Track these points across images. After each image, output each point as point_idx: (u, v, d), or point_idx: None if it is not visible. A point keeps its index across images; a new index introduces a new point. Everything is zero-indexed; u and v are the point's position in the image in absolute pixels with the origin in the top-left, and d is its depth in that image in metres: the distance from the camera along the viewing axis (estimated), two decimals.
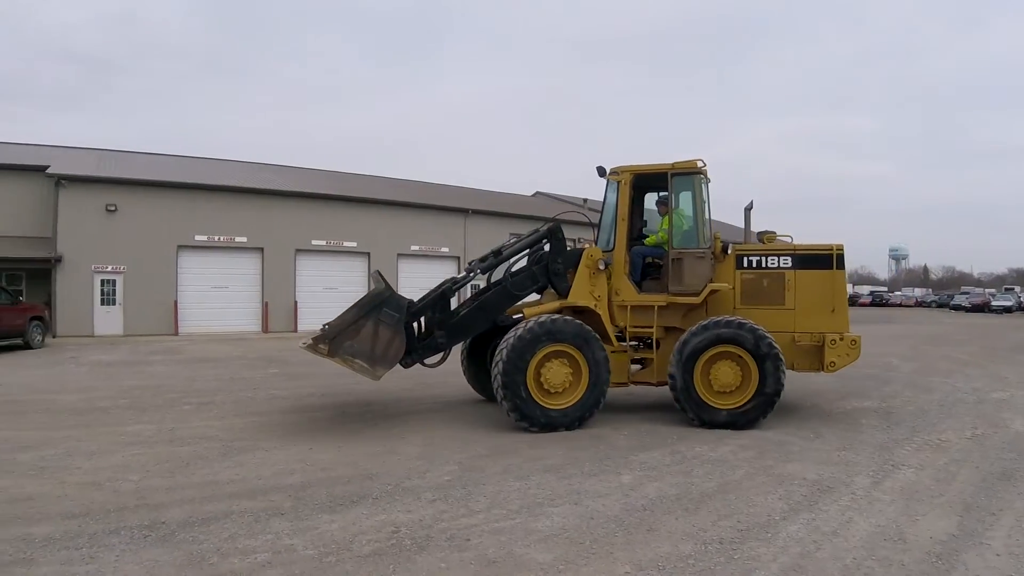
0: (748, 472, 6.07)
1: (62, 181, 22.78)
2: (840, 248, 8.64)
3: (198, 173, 28.69)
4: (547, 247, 8.92)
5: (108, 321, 23.71)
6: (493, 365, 7.92)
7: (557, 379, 7.89)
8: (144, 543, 4.41)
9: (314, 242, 27.47)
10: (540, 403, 7.82)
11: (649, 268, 9.11)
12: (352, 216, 28.47)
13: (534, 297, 9.27)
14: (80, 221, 22.98)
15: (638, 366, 9.05)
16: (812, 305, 8.50)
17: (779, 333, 8.23)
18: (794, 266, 8.58)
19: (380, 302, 7.88)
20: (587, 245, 8.93)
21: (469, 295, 9.92)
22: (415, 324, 8.63)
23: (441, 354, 8.68)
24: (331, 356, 7.67)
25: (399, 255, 29.84)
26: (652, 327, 8.58)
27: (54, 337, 21.19)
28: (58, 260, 22.51)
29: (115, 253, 23.49)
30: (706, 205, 8.76)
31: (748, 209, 9.06)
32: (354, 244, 28.36)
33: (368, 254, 28.86)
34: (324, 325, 8.31)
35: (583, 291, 8.60)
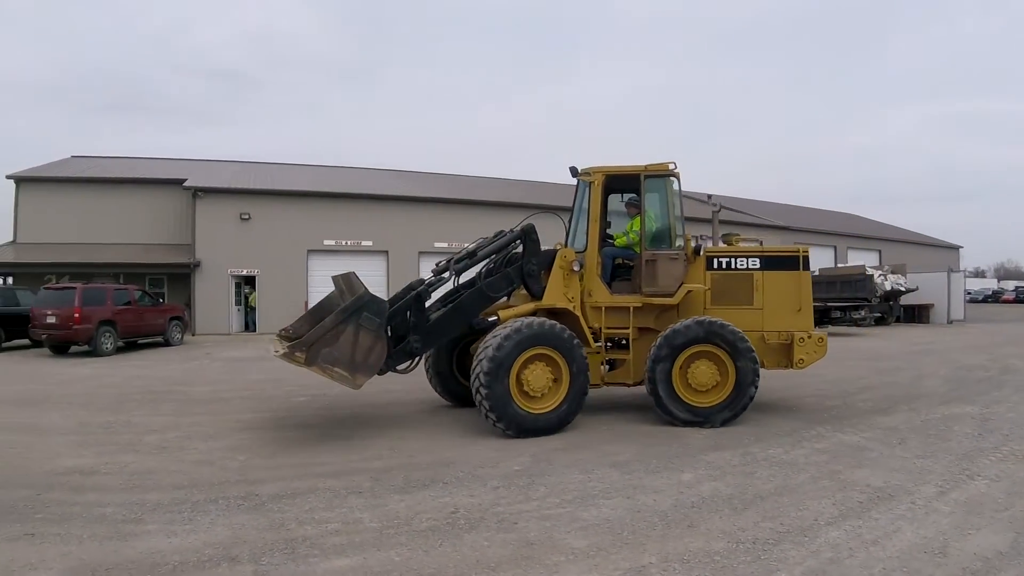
0: (813, 476, 6.08)
1: (198, 192, 25.23)
2: (806, 250, 9.09)
3: (326, 181, 30.79)
4: (521, 248, 8.77)
5: (242, 320, 26.02)
6: (473, 368, 7.68)
7: (539, 383, 7.78)
8: (237, 511, 5.17)
9: (436, 244, 28.61)
10: (521, 407, 7.67)
11: (619, 269, 9.10)
12: (473, 218, 29.24)
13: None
14: (216, 229, 25.33)
15: (606, 366, 9.00)
16: (779, 305, 8.81)
17: (748, 332, 8.43)
18: (762, 267, 8.86)
19: (360, 306, 7.44)
20: (559, 246, 8.92)
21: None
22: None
23: (411, 359, 8.34)
24: (308, 365, 7.23)
25: None
26: (626, 328, 8.63)
27: (193, 335, 23.43)
28: (196, 265, 24.94)
29: (249, 258, 25.68)
30: (678, 207, 8.85)
31: (716, 212, 9.13)
32: (474, 246, 29.12)
33: None
34: (282, 331, 8.33)
35: (558, 292, 8.54)
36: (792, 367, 8.80)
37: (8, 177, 28.69)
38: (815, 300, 27.82)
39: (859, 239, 45.02)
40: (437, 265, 8.97)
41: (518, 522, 4.86)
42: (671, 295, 8.58)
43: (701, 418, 8.13)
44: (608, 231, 9.64)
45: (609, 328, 8.69)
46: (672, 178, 8.82)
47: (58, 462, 6.70)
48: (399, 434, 7.81)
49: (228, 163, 35.11)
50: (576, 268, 8.59)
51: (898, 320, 29.91)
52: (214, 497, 5.52)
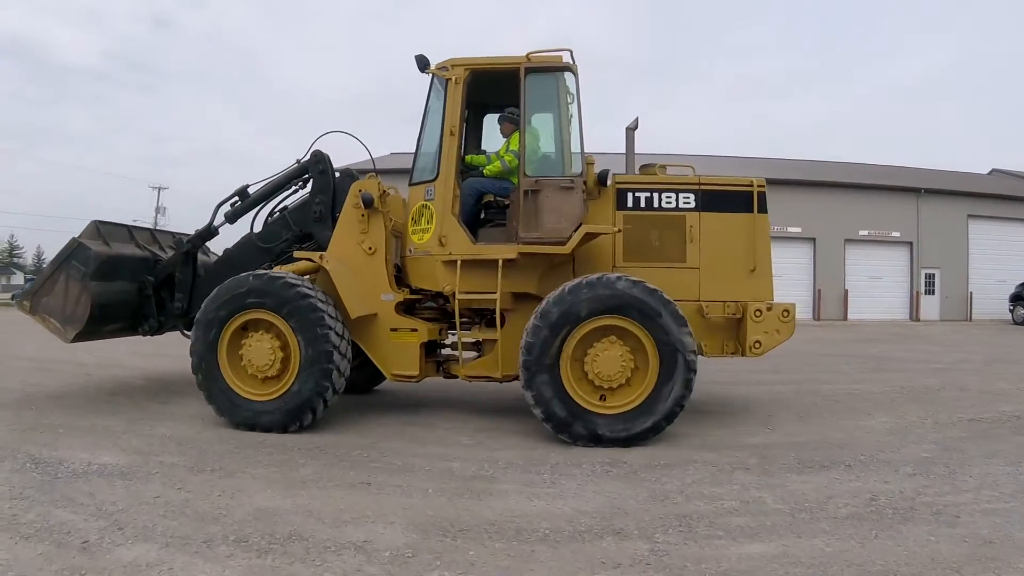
0: None
1: None
2: (762, 184, 6.42)
3: None
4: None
5: None
6: None
7: (261, 359, 5.88)
8: (605, 477, 4.89)
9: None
10: (232, 385, 5.93)
11: (489, 210, 6.72)
12: (790, 199, 27.67)
13: None
14: None
15: (446, 352, 6.98)
16: (724, 263, 6.31)
17: (679, 301, 5.77)
18: (698, 207, 6.29)
19: (69, 254, 6.87)
20: (372, 177, 6.69)
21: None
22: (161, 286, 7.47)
23: (184, 320, 7.41)
24: (32, 313, 7.01)
25: (846, 241, 28.68)
26: (493, 293, 5.98)
27: None
28: None
29: None
30: (575, 117, 6.21)
31: (631, 129, 6.24)
32: (798, 229, 27.87)
33: (813, 240, 28.51)
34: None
35: (347, 241, 6.41)
36: (745, 353, 6.25)
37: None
38: None
39: None
40: (217, 208, 7.55)
41: (960, 516, 4.09)
42: (563, 242, 5.97)
43: (608, 431, 5.59)
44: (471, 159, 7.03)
45: (469, 294, 6.14)
46: (566, 74, 6.27)
47: (407, 417, 6.77)
48: (767, 413, 7.27)
49: None
50: (363, 205, 6.42)
51: None
52: (575, 461, 5.22)
